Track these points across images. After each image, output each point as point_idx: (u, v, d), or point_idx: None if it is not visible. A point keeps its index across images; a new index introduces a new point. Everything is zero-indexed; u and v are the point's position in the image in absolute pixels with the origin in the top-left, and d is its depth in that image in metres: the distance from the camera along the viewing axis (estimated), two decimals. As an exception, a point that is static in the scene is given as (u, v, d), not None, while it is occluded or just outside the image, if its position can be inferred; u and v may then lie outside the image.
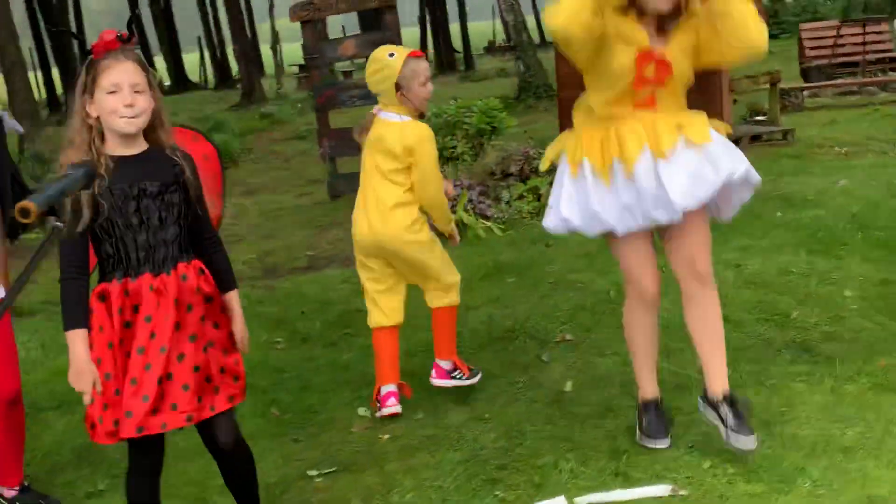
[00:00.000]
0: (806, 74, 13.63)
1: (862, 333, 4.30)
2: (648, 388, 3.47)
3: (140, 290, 2.61)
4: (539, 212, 7.57)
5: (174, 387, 2.60)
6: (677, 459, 3.28)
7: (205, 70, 36.92)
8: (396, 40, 9.23)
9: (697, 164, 3.04)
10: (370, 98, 9.49)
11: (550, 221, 3.34)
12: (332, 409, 4.07)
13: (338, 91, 9.52)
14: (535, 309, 5.14)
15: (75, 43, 29.85)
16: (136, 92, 2.59)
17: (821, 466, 3.11)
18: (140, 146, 2.68)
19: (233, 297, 2.83)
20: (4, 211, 3.41)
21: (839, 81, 12.71)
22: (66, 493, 3.62)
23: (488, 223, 7.46)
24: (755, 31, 3.02)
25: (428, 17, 33.37)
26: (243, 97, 22.80)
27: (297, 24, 9.71)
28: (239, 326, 2.81)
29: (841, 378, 3.82)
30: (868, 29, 13.41)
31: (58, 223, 2.06)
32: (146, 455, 2.70)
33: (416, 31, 35.80)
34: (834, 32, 13.60)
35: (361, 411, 4.01)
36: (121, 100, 2.58)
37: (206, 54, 36.22)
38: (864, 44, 13.25)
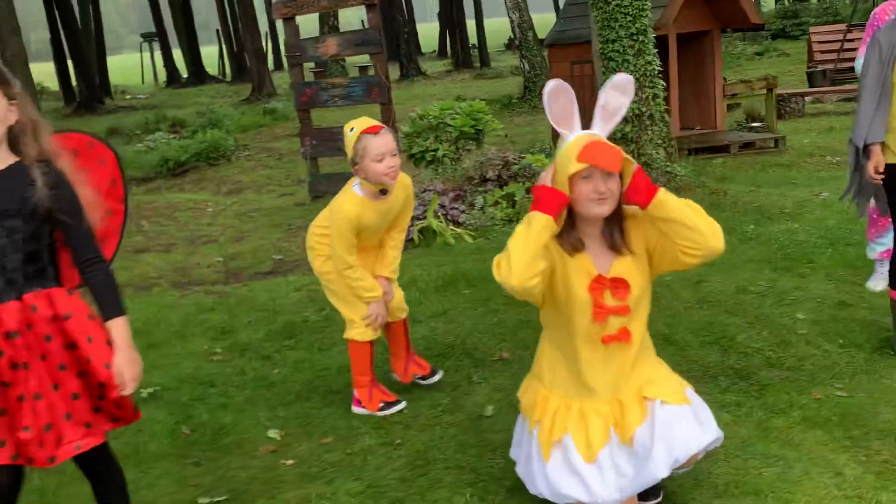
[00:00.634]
0: (811, 78, 13.34)
1: (805, 361, 4.10)
2: None
3: None
4: (512, 218, 7.38)
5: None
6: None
7: (223, 63, 36.94)
8: (377, 38, 9.08)
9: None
10: (351, 98, 9.41)
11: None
12: (243, 430, 3.90)
13: (319, 90, 9.36)
14: (480, 324, 4.96)
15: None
16: None
17: (726, 510, 2.93)
18: (4, 160, 2.52)
19: (114, 327, 2.56)
20: None
21: (837, 88, 12.41)
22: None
23: (459, 230, 7.28)
24: (709, 235, 2.68)
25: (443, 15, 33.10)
26: (253, 92, 22.79)
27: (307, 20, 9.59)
28: (119, 361, 2.53)
29: (772, 410, 3.63)
30: (876, 33, 13.09)
31: None
32: None
33: (436, 26, 35.59)
34: (842, 36, 13.31)
35: (271, 433, 3.84)
36: None
37: (224, 48, 36.23)
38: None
